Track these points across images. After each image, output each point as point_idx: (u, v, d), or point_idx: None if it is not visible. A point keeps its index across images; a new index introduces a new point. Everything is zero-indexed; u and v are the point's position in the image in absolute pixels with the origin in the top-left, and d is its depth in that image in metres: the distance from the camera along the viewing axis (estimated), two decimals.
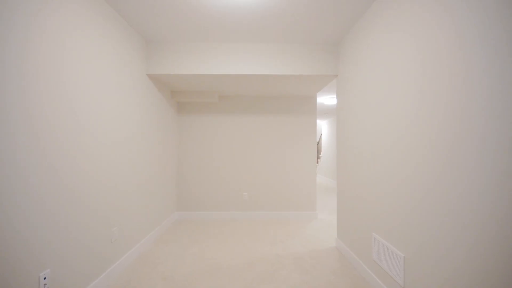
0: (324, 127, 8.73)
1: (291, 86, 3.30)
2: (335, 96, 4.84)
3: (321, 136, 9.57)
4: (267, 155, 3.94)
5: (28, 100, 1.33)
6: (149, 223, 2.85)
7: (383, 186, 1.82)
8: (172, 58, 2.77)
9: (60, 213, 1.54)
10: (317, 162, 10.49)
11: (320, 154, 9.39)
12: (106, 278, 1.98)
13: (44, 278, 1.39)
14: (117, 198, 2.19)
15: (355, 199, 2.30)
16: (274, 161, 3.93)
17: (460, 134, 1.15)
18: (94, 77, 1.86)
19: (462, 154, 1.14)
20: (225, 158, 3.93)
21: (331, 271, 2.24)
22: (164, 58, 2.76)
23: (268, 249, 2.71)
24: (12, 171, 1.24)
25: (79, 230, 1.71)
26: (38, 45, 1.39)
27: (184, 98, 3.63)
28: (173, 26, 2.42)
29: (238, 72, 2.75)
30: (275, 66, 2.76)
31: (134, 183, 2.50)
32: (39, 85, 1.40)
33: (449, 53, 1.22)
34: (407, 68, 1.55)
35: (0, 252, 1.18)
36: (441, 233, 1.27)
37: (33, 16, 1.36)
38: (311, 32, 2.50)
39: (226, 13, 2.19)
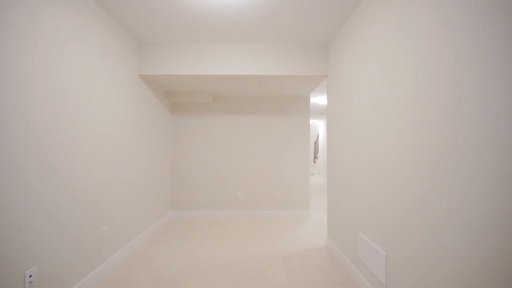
0: (321, 127, 8.75)
1: (284, 86, 3.32)
2: None
3: (318, 136, 9.60)
4: (261, 155, 3.96)
5: (27, 101, 1.37)
6: (142, 222, 2.87)
7: (373, 189, 1.84)
8: (164, 59, 2.79)
9: (49, 211, 1.56)
10: (315, 162, 10.51)
11: (318, 154, 9.41)
12: (96, 277, 2.00)
13: (30, 276, 1.41)
14: (109, 197, 2.21)
15: (344, 199, 2.32)
16: (268, 161, 3.96)
17: (457, 134, 1.13)
18: (84, 77, 1.89)
19: (457, 156, 1.15)
20: (220, 158, 3.95)
21: (319, 270, 2.26)
22: (157, 59, 2.79)
23: (260, 248, 2.73)
24: (9, 169, 1.27)
25: (68, 229, 1.73)
26: (34, 47, 1.43)
27: (178, 99, 3.65)
28: (166, 28, 2.44)
29: (231, 73, 2.78)
30: (267, 67, 2.78)
31: (127, 183, 2.52)
32: (37, 86, 1.43)
33: (442, 50, 1.22)
34: (396, 68, 1.57)
35: None
36: (423, 233, 1.30)
37: (31, 17, 1.40)
38: (303, 32, 2.52)
39: (218, 15, 2.21)
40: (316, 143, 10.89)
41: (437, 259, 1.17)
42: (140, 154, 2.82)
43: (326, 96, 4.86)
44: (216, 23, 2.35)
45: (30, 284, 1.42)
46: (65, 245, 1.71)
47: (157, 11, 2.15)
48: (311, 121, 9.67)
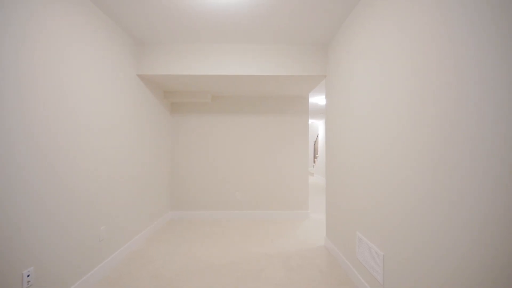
0: (320, 127, 8.75)
1: (284, 86, 3.32)
2: None
3: (317, 136, 9.60)
4: (260, 155, 3.96)
5: (27, 101, 1.37)
6: (141, 221, 2.87)
7: (372, 189, 1.84)
8: (163, 59, 2.79)
9: (48, 211, 1.56)
10: (314, 162, 10.52)
11: (317, 154, 9.41)
12: (95, 276, 2.00)
13: (28, 276, 1.41)
14: (109, 196, 2.21)
15: (343, 199, 2.32)
16: (267, 161, 3.96)
17: (457, 134, 1.14)
18: (83, 77, 1.89)
19: (457, 157, 1.16)
20: (219, 158, 3.95)
21: (318, 270, 2.26)
22: (156, 59, 2.79)
23: (259, 248, 2.73)
24: (9, 169, 1.26)
25: (68, 228, 1.73)
26: (34, 47, 1.43)
27: (177, 99, 3.65)
28: (165, 28, 2.44)
29: (231, 73, 2.78)
30: (266, 67, 2.78)
31: (127, 183, 2.52)
32: (37, 87, 1.43)
33: (442, 50, 1.22)
34: (396, 68, 1.57)
35: None
36: (422, 233, 1.30)
37: (31, 17, 1.39)
38: (302, 32, 2.52)
39: (217, 15, 2.21)
40: (315, 143, 10.90)
41: (437, 259, 1.17)
42: (139, 154, 2.82)
43: (325, 96, 4.86)
44: (216, 23, 2.35)
45: (28, 284, 1.42)
46: (64, 245, 1.71)
47: (156, 11, 2.15)
48: (311, 121, 9.67)
